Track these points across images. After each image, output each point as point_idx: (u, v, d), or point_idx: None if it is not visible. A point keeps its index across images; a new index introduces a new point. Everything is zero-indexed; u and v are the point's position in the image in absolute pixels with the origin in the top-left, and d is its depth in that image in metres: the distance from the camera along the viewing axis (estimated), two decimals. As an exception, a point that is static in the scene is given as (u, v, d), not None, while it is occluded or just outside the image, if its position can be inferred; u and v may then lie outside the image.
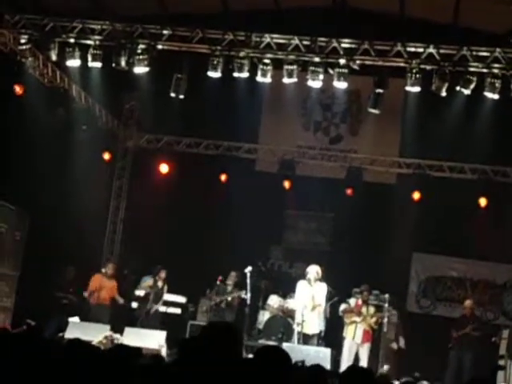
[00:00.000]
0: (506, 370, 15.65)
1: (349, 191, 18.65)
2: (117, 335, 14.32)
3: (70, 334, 14.53)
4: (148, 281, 17.45)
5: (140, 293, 17.62)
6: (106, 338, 13.74)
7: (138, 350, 6.77)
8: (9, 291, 17.11)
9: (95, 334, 14.26)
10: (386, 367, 15.74)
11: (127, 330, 15.36)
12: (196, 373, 4.28)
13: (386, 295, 15.92)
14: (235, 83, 15.83)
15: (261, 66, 14.79)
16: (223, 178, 19.00)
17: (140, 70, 15.10)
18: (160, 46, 15.09)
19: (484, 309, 19.11)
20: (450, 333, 16.55)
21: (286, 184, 18.76)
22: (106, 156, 19.08)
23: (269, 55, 14.83)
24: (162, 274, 17.17)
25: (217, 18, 17.19)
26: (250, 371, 4.57)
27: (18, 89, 15.56)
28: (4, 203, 16.74)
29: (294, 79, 14.77)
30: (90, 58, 15.08)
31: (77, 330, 14.65)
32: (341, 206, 19.14)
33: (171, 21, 15.79)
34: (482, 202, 18.03)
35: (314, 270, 15.08)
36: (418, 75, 14.25)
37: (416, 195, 18.38)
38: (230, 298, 17.06)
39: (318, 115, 20.38)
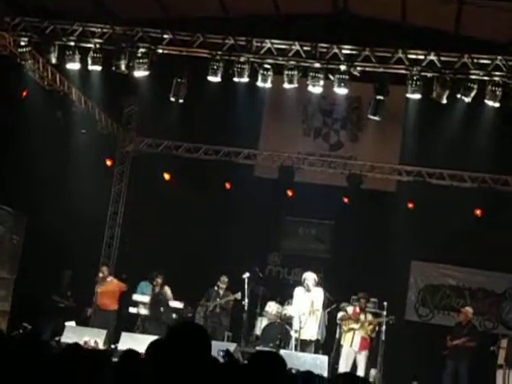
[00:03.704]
0: (505, 379, 15.58)
1: (351, 199, 18.62)
2: (96, 340, 14.28)
3: (66, 338, 14.47)
4: (146, 290, 17.37)
5: (138, 298, 17.54)
6: (84, 343, 13.69)
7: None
8: (5, 294, 17.07)
9: (91, 338, 14.20)
10: (373, 371, 15.67)
11: (124, 334, 15.32)
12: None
13: (384, 303, 15.84)
14: (235, 88, 15.77)
15: (261, 72, 14.74)
16: (228, 185, 19.00)
17: (140, 73, 15.04)
18: (160, 50, 15.04)
19: (482, 318, 19.09)
20: (446, 340, 16.53)
21: (289, 192, 18.75)
22: (108, 162, 19.08)
23: (269, 60, 14.78)
24: (159, 280, 17.07)
25: (217, 22, 17.15)
26: (245, 376, 4.51)
27: (24, 93, 15.57)
28: (2, 206, 16.70)
29: (295, 85, 14.71)
30: (89, 61, 15.02)
31: (73, 334, 14.62)
32: (340, 213, 19.08)
33: (172, 25, 15.75)
34: (482, 210, 17.97)
35: (311, 277, 15.07)
36: (418, 82, 14.19)
37: (415, 203, 18.31)
38: (223, 302, 17.03)
39: (319, 121, 20.36)
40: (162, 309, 17.04)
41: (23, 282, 17.00)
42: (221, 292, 17.18)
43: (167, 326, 16.49)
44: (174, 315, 17.44)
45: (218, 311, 17.10)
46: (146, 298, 17.31)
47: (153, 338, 15.11)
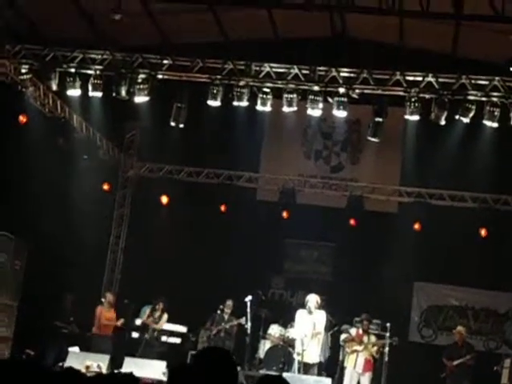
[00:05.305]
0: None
1: (352, 221, 18.64)
2: (99, 364, 14.29)
3: (69, 363, 14.44)
4: (147, 311, 17.41)
5: (139, 322, 17.56)
6: (87, 367, 13.70)
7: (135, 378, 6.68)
8: (8, 321, 17.05)
9: (94, 362, 14.22)
10: None
11: (127, 359, 15.28)
12: None
13: (388, 324, 15.83)
14: (236, 112, 15.85)
15: (260, 95, 14.82)
16: (223, 207, 19.02)
17: (140, 99, 15.13)
18: (160, 76, 15.13)
19: (486, 338, 19.06)
20: (442, 361, 16.53)
21: (285, 213, 18.79)
22: (105, 187, 19.10)
23: (268, 84, 14.86)
24: (161, 305, 17.11)
25: (217, 47, 17.29)
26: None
27: (21, 118, 15.63)
28: (3, 232, 16.73)
29: (294, 108, 14.78)
30: (90, 88, 15.12)
31: (76, 359, 14.59)
32: (342, 235, 19.10)
33: (171, 50, 15.86)
34: (483, 230, 17.98)
35: (313, 299, 15.02)
36: (417, 104, 14.26)
37: (417, 224, 18.33)
38: (228, 326, 17.02)
39: (319, 144, 20.43)
40: (147, 335, 17.08)
41: (26, 308, 16.99)
42: (225, 316, 17.17)
43: (156, 351, 16.65)
44: (162, 338, 17.49)
45: (223, 335, 17.09)
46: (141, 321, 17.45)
47: (154, 362, 15.26)
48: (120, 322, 17.39)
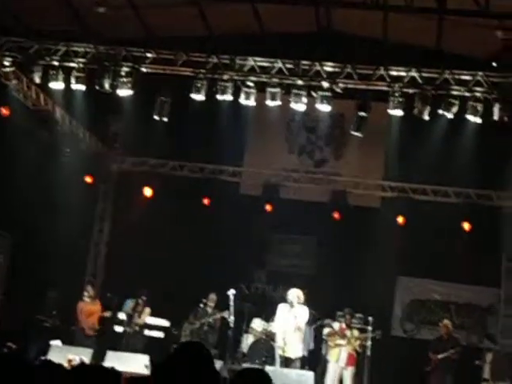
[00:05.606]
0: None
1: (336, 215, 18.67)
2: (82, 358, 14.27)
3: (51, 357, 14.39)
4: (130, 304, 17.38)
5: (123, 316, 17.52)
6: (69, 361, 13.66)
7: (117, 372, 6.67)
8: (-10, 315, 17.00)
9: (77, 356, 14.19)
10: None
11: (109, 353, 15.27)
12: None
13: (370, 318, 15.87)
14: (219, 106, 15.81)
15: (244, 89, 14.82)
16: (207, 201, 19.03)
17: (124, 92, 15.08)
18: (144, 69, 15.09)
19: (468, 332, 19.13)
20: (428, 355, 16.57)
21: (268, 207, 18.81)
22: (88, 179, 19.02)
23: (252, 78, 14.85)
24: (144, 299, 17.08)
25: (202, 41, 17.25)
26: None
27: (4, 110, 15.55)
28: (-14, 226, 16.68)
29: (278, 102, 14.78)
30: (73, 81, 15.06)
31: (59, 353, 14.56)
32: (325, 230, 19.13)
33: (156, 44, 15.81)
34: (466, 225, 18.07)
35: (294, 294, 14.98)
36: (400, 99, 14.28)
37: (400, 219, 18.39)
38: (211, 320, 17.02)
39: (303, 138, 20.45)
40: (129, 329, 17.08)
41: (8, 302, 16.93)
42: (209, 310, 17.17)
43: (139, 345, 16.67)
44: (145, 332, 17.50)
45: (206, 329, 17.08)
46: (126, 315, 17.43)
47: (137, 356, 15.22)
48: (107, 314, 17.33)
